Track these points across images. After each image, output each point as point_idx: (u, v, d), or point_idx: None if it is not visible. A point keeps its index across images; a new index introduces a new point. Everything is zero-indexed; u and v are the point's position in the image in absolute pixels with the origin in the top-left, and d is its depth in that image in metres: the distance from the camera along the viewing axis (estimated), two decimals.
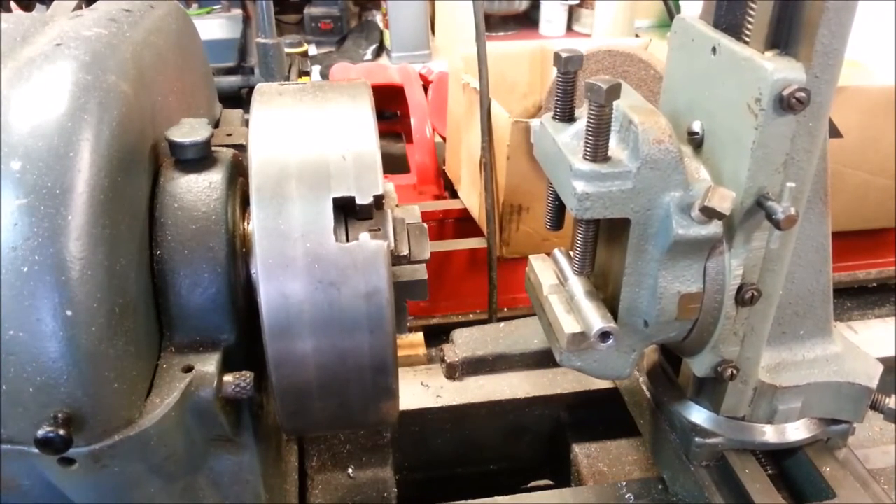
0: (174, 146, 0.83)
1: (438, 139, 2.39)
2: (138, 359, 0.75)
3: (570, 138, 0.93)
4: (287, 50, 2.61)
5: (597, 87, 0.82)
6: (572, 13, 4.72)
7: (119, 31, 0.86)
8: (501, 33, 4.76)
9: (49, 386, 0.68)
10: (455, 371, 1.40)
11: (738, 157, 0.88)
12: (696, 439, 1.09)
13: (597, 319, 0.93)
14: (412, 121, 2.34)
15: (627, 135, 0.88)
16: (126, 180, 0.75)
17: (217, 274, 0.80)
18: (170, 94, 0.95)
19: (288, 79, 2.62)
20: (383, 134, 2.65)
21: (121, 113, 0.76)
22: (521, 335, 1.44)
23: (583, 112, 0.92)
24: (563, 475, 1.42)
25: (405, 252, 0.85)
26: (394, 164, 2.48)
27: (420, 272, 0.87)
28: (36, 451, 0.68)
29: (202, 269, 0.80)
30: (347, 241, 0.78)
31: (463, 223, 2.04)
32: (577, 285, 1.00)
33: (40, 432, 0.66)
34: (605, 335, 0.93)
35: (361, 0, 4.91)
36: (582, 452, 1.37)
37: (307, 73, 2.98)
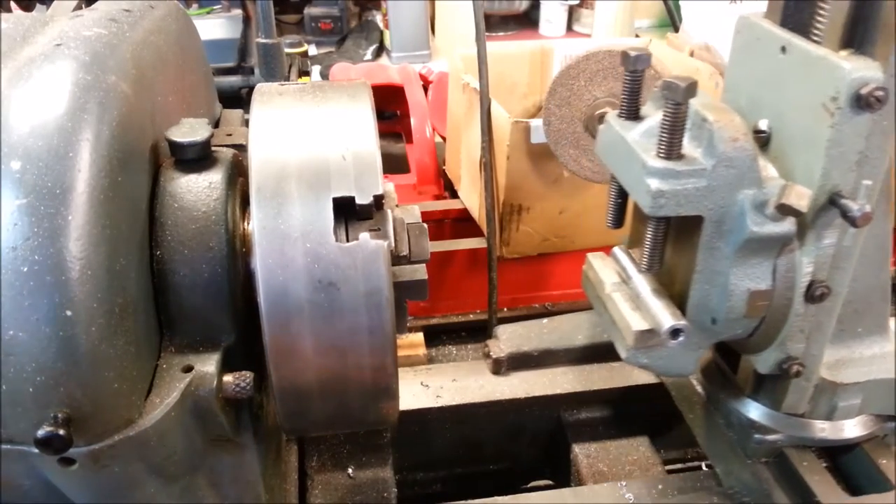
0: (174, 146, 0.83)
1: (438, 139, 2.39)
2: (138, 359, 0.75)
3: (639, 136, 0.94)
4: (287, 50, 2.61)
5: (675, 85, 0.84)
6: (572, 13, 4.72)
7: (119, 31, 0.86)
8: (501, 33, 4.75)
9: (49, 386, 0.67)
10: (501, 366, 1.41)
11: (810, 156, 0.89)
12: (756, 436, 1.10)
13: (667, 317, 0.94)
14: (412, 121, 2.33)
15: (700, 133, 0.89)
16: (126, 180, 0.75)
17: (217, 274, 0.80)
18: (170, 94, 0.95)
19: (288, 79, 2.62)
20: (383, 134, 2.65)
21: (121, 113, 0.76)
22: (564, 331, 1.46)
23: (648, 110, 0.94)
24: (563, 475, 1.42)
25: (405, 252, 0.85)
26: (394, 164, 2.48)
27: (420, 272, 0.87)
28: (36, 451, 0.68)
29: (202, 269, 0.80)
30: (347, 241, 0.78)
31: (463, 223, 2.03)
32: (642, 283, 1.00)
33: (40, 432, 0.66)
34: (675, 332, 0.94)
35: (361, 0, 4.91)
36: (582, 452, 1.37)
37: (307, 73, 2.98)
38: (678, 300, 0.99)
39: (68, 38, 0.80)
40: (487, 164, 1.73)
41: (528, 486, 1.58)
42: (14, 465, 0.73)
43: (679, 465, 1.57)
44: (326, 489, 1.25)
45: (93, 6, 0.96)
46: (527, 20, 4.88)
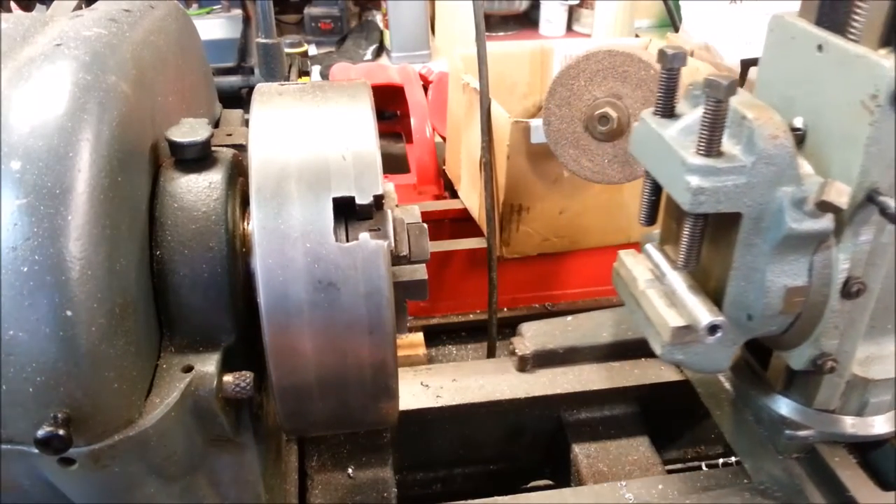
0: (174, 146, 0.83)
1: (438, 139, 2.39)
2: (138, 359, 0.75)
3: (676, 133, 0.94)
4: (287, 50, 2.61)
5: (716, 82, 0.84)
6: (572, 13, 4.72)
7: (119, 31, 0.86)
8: (501, 33, 4.75)
9: (49, 386, 0.67)
10: (526, 363, 1.42)
11: (848, 153, 0.90)
12: (787, 432, 1.11)
13: (705, 313, 0.95)
14: (412, 121, 2.33)
15: (739, 130, 0.90)
16: (126, 180, 0.75)
17: (217, 274, 0.80)
18: (170, 94, 0.95)
19: (288, 79, 2.62)
20: (383, 134, 2.65)
21: (121, 113, 0.76)
22: (588, 328, 1.46)
23: (683, 108, 0.95)
24: (563, 475, 1.42)
25: (405, 252, 0.85)
26: (394, 164, 2.48)
27: (420, 272, 0.87)
28: (36, 451, 0.67)
29: (202, 270, 0.80)
30: (347, 241, 0.78)
31: (463, 223, 2.04)
32: (677, 280, 1.01)
33: (40, 432, 0.66)
34: (713, 328, 0.94)
35: (361, 0, 4.90)
36: (582, 452, 1.37)
37: (307, 73, 2.98)
38: (713, 297, 0.99)
39: (68, 38, 0.80)
40: (487, 164, 1.73)
41: (528, 486, 1.58)
42: (14, 465, 0.73)
43: (679, 465, 1.57)
44: (326, 489, 1.25)
45: (93, 6, 0.95)
46: (527, 20, 4.87)
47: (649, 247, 1.10)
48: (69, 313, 0.66)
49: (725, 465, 1.54)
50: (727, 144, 0.90)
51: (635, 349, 1.44)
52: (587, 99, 1.52)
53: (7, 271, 0.65)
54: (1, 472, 0.74)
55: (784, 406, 1.13)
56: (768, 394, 1.15)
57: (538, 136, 1.64)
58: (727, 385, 1.24)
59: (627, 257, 1.12)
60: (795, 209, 0.90)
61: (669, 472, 1.35)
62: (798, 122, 0.98)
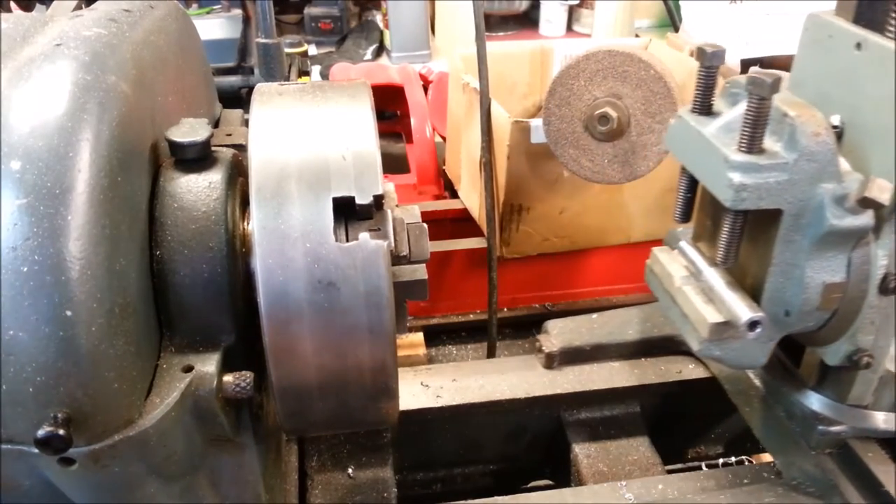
0: (174, 146, 0.83)
1: (438, 139, 2.39)
2: (138, 359, 0.75)
3: (716, 130, 0.95)
4: (287, 50, 2.61)
5: (760, 80, 0.85)
6: (572, 13, 4.72)
7: (119, 31, 0.86)
8: (501, 33, 4.75)
9: (49, 386, 0.67)
10: (553, 360, 1.42)
11: (887, 150, 0.91)
12: (819, 427, 1.12)
13: (744, 309, 0.96)
14: (412, 121, 2.33)
15: (780, 127, 0.91)
16: (126, 180, 0.75)
17: (217, 274, 0.80)
18: (170, 94, 0.95)
19: (288, 79, 2.62)
20: (383, 134, 2.65)
21: (121, 113, 0.76)
22: (615, 326, 1.47)
23: (720, 106, 0.96)
24: (563, 475, 1.42)
25: (405, 252, 0.85)
26: (394, 164, 2.48)
27: (420, 272, 0.87)
28: (36, 451, 0.67)
29: (202, 270, 0.80)
30: (347, 240, 0.78)
31: (463, 223, 2.04)
32: (714, 277, 1.02)
33: (40, 432, 0.66)
34: (753, 324, 0.95)
35: (361, 0, 4.91)
36: (582, 452, 1.37)
37: (307, 73, 2.98)
38: (750, 293, 1.00)
39: (68, 38, 0.80)
40: (487, 164, 1.73)
41: (528, 486, 1.58)
42: (14, 465, 0.73)
43: (679, 465, 1.57)
44: (326, 489, 1.25)
45: (93, 6, 0.95)
46: (527, 20, 4.88)
47: (684, 244, 1.11)
48: (69, 313, 0.67)
49: (726, 464, 1.55)
50: (767, 142, 0.92)
51: (661, 346, 1.45)
52: (587, 99, 1.52)
53: (7, 271, 0.65)
54: (1, 472, 0.74)
55: (816, 402, 1.14)
56: (800, 390, 1.16)
57: (538, 136, 1.64)
58: (757, 382, 1.25)
59: (661, 254, 1.14)
60: (836, 206, 0.91)
61: (669, 472, 1.35)
62: (835, 120, 0.99)
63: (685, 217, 1.09)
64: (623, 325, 1.46)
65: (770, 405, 1.21)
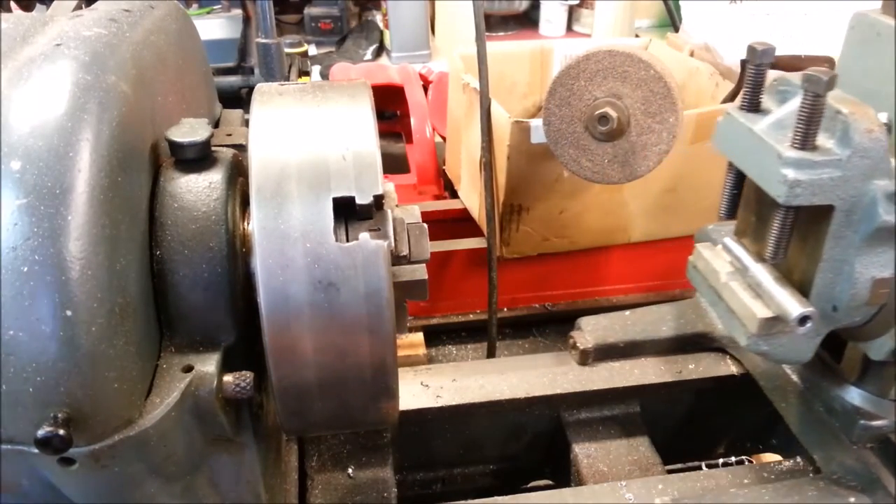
0: (174, 146, 0.83)
1: (438, 139, 2.39)
2: (138, 359, 0.75)
3: (767, 128, 0.97)
4: (287, 50, 2.61)
5: (816, 77, 0.87)
6: (572, 13, 4.72)
7: (119, 31, 0.86)
8: (501, 33, 4.75)
9: (49, 386, 0.67)
10: (588, 357, 1.43)
11: None
12: (861, 422, 1.13)
13: (795, 305, 0.96)
14: (412, 121, 2.33)
15: (832, 124, 0.93)
16: (126, 180, 0.75)
17: (217, 274, 0.80)
18: (170, 94, 0.95)
19: (288, 79, 2.62)
20: (383, 134, 2.65)
21: (121, 113, 0.76)
22: (648, 322, 1.47)
23: (769, 103, 0.98)
24: (563, 475, 1.42)
25: (405, 252, 0.85)
26: (394, 164, 2.48)
27: (420, 272, 0.87)
28: (36, 451, 0.68)
29: (202, 270, 0.80)
30: (347, 241, 0.78)
31: (463, 223, 2.03)
32: (762, 272, 1.03)
33: (40, 432, 0.66)
34: (804, 319, 0.96)
35: (361, 0, 4.90)
36: (582, 452, 1.37)
37: (307, 73, 2.98)
38: (797, 288, 1.01)
39: (68, 38, 0.80)
40: (487, 164, 1.73)
41: (528, 486, 1.58)
42: (14, 465, 0.73)
43: (679, 465, 1.57)
44: (326, 489, 1.25)
45: (93, 6, 0.95)
46: (527, 20, 4.87)
47: (728, 240, 1.12)
48: (69, 313, 0.67)
49: (726, 464, 1.54)
50: (819, 138, 0.93)
51: (695, 343, 1.45)
52: (587, 99, 1.52)
53: (7, 271, 0.65)
54: (1, 472, 0.74)
55: (858, 397, 1.15)
56: (841, 385, 1.17)
57: (538, 136, 1.64)
58: (794, 377, 1.26)
59: (705, 250, 1.14)
60: (888, 202, 0.92)
61: (669, 472, 1.35)
62: (883, 118, 1.00)
63: (731, 213, 1.11)
64: (656, 321, 1.47)
65: (808, 400, 1.23)
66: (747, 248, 1.09)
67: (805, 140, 0.91)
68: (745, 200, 1.12)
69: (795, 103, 0.94)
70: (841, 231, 0.96)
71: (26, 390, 0.67)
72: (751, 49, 0.97)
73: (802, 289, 1.01)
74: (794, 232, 1.00)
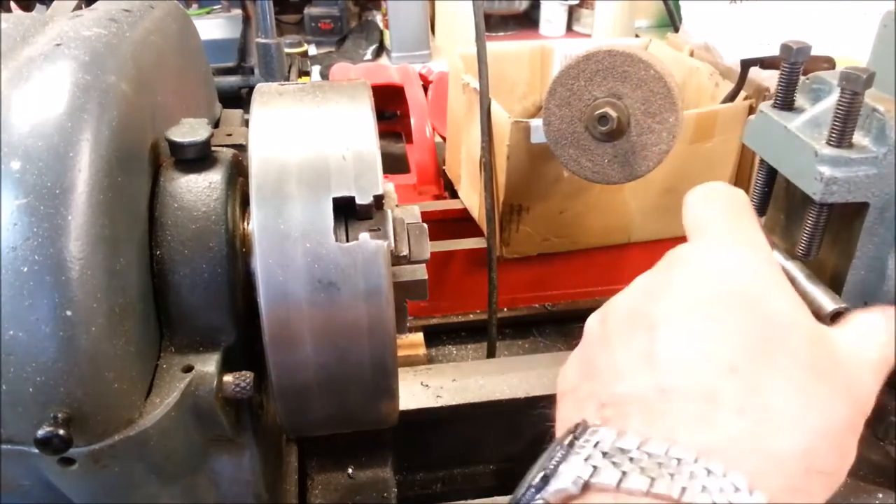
0: (174, 146, 0.83)
1: (438, 139, 2.39)
2: (138, 359, 0.75)
3: (801, 125, 0.97)
4: (287, 50, 2.61)
5: (854, 75, 0.87)
6: (572, 13, 4.71)
7: (119, 31, 0.86)
8: (501, 33, 4.75)
9: (49, 386, 0.67)
10: None
11: None
12: (892, 418, 1.12)
13: (828, 301, 0.97)
14: (412, 121, 2.33)
15: (868, 122, 0.93)
16: (126, 180, 0.75)
17: (217, 274, 0.80)
18: (170, 94, 0.95)
19: (288, 79, 2.62)
20: (383, 134, 2.65)
21: (121, 113, 0.76)
22: None
23: (802, 101, 0.99)
24: None
25: (405, 252, 0.85)
26: (394, 164, 2.48)
27: (420, 272, 0.87)
28: (36, 451, 0.67)
29: (202, 270, 0.80)
30: (347, 241, 0.78)
31: (463, 223, 2.04)
32: (794, 269, 1.03)
33: (40, 432, 0.66)
34: (836, 315, 0.96)
35: (361, 0, 4.90)
36: None
37: (307, 73, 2.98)
38: (828, 285, 1.01)
39: (68, 38, 0.80)
40: (487, 164, 1.73)
41: None
42: (14, 465, 0.73)
43: None
44: (326, 489, 1.25)
45: (93, 6, 0.95)
46: (527, 20, 4.87)
47: None
48: (69, 313, 0.66)
49: None
50: (854, 136, 0.93)
51: None
52: (587, 99, 1.52)
53: (7, 271, 0.65)
54: (1, 472, 0.74)
55: (885, 393, 1.15)
56: None
57: (538, 136, 1.64)
58: None
59: None
60: None
61: None
62: None
63: (762, 211, 1.11)
64: None
65: None
66: (777, 244, 1.09)
67: (842, 138, 0.91)
68: (773, 198, 1.13)
69: (830, 101, 0.94)
70: (875, 228, 0.96)
71: (26, 390, 0.67)
72: (785, 47, 0.97)
73: (834, 285, 1.01)
74: (826, 229, 1.01)
